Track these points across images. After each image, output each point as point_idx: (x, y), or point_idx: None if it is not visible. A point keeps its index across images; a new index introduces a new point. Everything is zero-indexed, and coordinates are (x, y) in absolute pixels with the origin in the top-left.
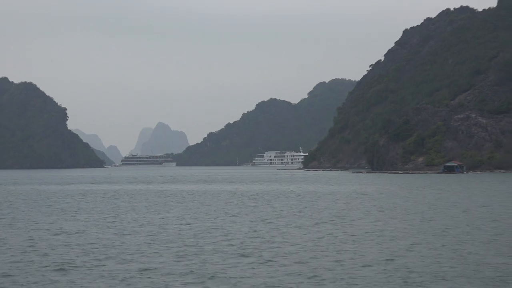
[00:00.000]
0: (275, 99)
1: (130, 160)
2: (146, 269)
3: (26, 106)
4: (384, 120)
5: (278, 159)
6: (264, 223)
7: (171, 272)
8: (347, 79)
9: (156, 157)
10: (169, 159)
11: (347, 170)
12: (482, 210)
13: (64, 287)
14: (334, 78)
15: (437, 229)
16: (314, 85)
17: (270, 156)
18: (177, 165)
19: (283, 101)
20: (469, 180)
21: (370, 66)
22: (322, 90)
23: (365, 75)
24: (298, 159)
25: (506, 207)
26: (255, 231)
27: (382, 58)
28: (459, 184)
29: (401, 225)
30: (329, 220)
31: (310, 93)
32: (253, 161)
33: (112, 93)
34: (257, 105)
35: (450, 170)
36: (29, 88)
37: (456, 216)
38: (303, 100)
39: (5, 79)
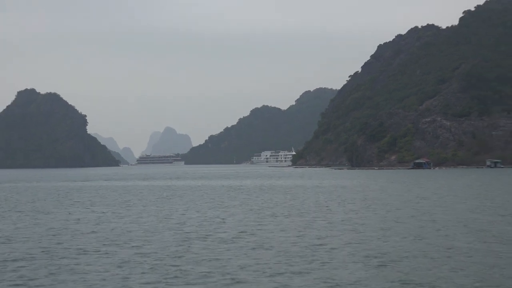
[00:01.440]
0: (267, 105)
1: (144, 160)
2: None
3: (51, 114)
4: (361, 123)
5: (273, 158)
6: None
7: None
8: (329, 88)
9: (167, 156)
10: (178, 158)
11: (330, 167)
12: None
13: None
14: (318, 87)
15: (399, 217)
16: (301, 93)
17: (266, 155)
18: (184, 163)
19: (274, 107)
20: (435, 175)
21: (349, 76)
22: (308, 98)
23: (345, 84)
24: (290, 157)
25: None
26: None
27: (360, 70)
28: (426, 178)
29: (370, 214)
30: (311, 209)
31: (297, 100)
32: (252, 159)
33: (125, 102)
34: (251, 111)
35: (418, 166)
36: (54, 99)
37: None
38: (291, 106)
39: (32, 90)
